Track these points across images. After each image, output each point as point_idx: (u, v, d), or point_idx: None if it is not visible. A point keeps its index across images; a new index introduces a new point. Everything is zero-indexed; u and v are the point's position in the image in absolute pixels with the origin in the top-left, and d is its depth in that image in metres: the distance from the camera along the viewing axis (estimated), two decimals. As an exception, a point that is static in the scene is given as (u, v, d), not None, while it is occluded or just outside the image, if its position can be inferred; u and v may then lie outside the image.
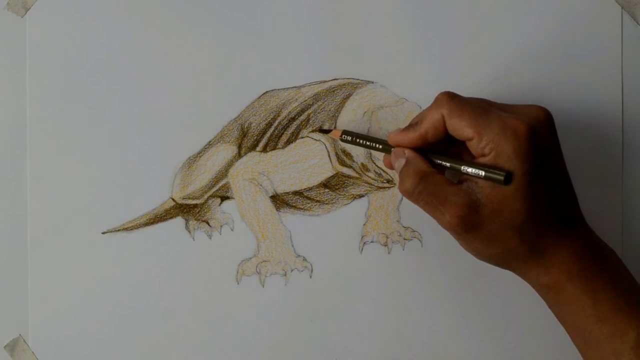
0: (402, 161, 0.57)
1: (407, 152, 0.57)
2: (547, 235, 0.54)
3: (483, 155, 0.53)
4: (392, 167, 0.59)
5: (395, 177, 0.64)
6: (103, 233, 0.63)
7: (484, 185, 0.53)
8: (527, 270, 0.55)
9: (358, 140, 0.61)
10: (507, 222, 0.53)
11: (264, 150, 0.64)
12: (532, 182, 0.52)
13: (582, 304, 0.54)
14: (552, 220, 0.54)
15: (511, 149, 0.52)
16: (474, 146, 0.54)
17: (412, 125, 0.57)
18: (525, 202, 0.52)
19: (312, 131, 0.64)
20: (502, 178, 0.52)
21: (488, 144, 0.53)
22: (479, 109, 0.54)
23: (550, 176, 0.54)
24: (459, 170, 0.54)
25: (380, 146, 0.60)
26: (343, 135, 0.62)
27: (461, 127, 0.54)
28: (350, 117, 0.64)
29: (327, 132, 0.63)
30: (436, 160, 0.56)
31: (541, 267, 0.54)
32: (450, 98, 0.55)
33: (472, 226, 0.53)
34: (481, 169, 0.53)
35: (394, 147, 0.58)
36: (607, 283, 0.54)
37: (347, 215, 0.64)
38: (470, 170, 0.54)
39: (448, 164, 0.56)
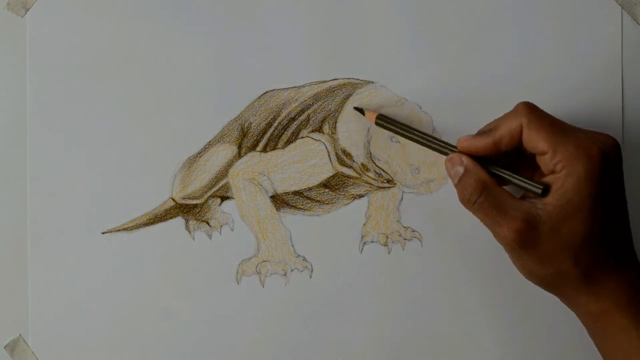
0: (460, 169, 0.56)
1: (466, 160, 0.56)
2: (601, 263, 0.53)
3: (553, 172, 0.53)
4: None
5: (395, 177, 0.64)
6: (103, 233, 0.63)
7: (547, 203, 0.53)
8: (576, 296, 0.55)
9: (392, 127, 0.61)
10: (564, 242, 0.52)
11: (264, 150, 0.64)
12: (596, 205, 0.52)
13: (628, 335, 0.53)
14: (608, 248, 0.53)
15: (583, 170, 0.52)
16: (546, 161, 0.54)
17: (485, 132, 0.56)
18: (585, 224, 0.52)
19: (355, 107, 0.63)
20: (539, 191, 0.53)
21: (561, 161, 0.53)
22: (558, 124, 0.54)
23: (613, 204, 0.54)
24: (508, 180, 0.56)
25: (417, 137, 0.60)
26: (378, 120, 0.62)
27: (538, 140, 0.54)
28: (350, 117, 0.64)
29: (361, 112, 0.63)
30: (492, 170, 0.56)
31: (591, 295, 0.54)
32: (532, 109, 0.55)
33: (528, 243, 0.53)
34: (523, 182, 0.55)
35: (439, 146, 0.58)
36: None
37: (347, 215, 0.64)
38: (519, 182, 0.55)
39: (505, 176, 0.56)
